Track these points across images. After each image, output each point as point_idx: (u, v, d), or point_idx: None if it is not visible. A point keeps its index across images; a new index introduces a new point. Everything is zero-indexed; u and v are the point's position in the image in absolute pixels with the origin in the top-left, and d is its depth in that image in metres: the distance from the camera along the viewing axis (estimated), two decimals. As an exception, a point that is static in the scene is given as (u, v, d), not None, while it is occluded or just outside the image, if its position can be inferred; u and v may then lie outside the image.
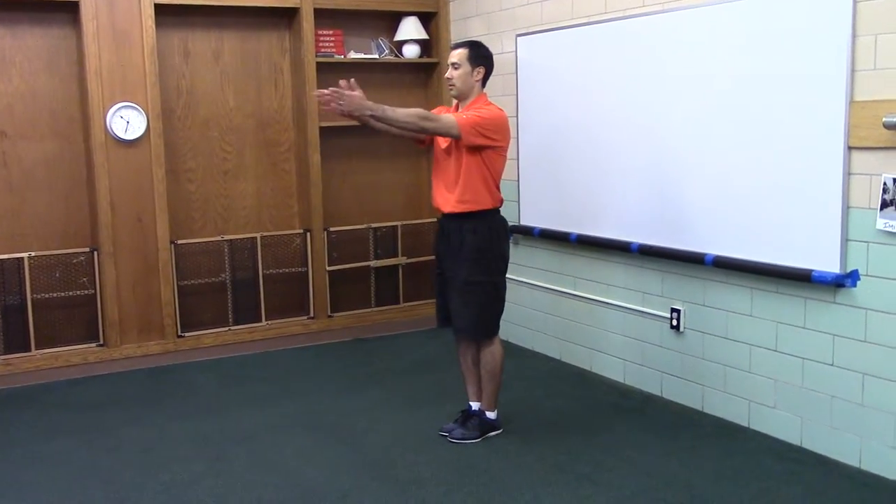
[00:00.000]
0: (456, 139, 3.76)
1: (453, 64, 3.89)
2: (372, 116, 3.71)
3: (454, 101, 4.01)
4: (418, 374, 5.12)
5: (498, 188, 3.93)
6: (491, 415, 4.06)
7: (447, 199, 3.92)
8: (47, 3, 5.00)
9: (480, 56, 3.91)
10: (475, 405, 4.12)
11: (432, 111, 3.99)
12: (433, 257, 4.17)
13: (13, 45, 5.11)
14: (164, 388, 4.99)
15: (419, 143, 4.18)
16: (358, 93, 3.64)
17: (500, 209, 3.97)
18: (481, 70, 3.90)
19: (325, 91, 3.65)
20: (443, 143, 3.93)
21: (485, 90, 3.95)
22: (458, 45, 3.97)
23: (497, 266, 3.95)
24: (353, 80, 3.68)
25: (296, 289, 5.85)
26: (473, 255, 3.87)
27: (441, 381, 4.87)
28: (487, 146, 3.80)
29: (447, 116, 3.78)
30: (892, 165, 3.34)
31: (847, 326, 3.59)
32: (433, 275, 4.19)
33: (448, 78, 3.92)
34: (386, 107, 3.70)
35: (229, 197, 5.77)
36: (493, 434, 4.05)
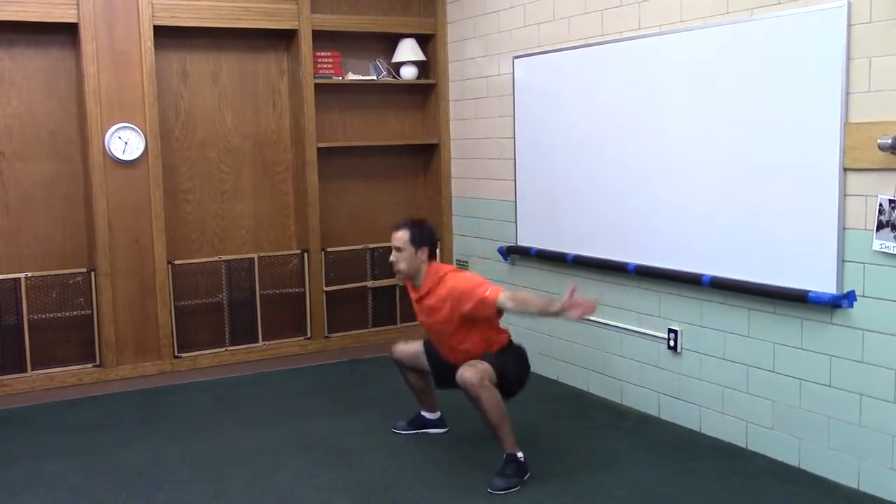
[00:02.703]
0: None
1: (396, 248, 3.95)
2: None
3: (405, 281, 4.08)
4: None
5: (498, 325, 4.00)
6: (521, 455, 3.80)
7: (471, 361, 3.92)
8: (46, 24, 5.02)
9: (421, 236, 3.96)
10: (427, 414, 4.38)
11: None
12: None
13: (12, 66, 5.13)
14: (160, 409, 4.97)
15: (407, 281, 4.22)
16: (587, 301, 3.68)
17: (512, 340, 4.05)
18: (425, 250, 3.95)
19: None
20: (439, 319, 3.93)
21: (434, 261, 4.00)
22: (398, 228, 4.00)
23: (521, 365, 4.00)
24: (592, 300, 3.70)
25: (293, 309, 5.85)
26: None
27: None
28: None
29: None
30: (888, 186, 3.36)
31: (844, 347, 3.60)
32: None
33: (393, 262, 3.98)
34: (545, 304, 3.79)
35: (227, 217, 5.77)
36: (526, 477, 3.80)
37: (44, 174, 5.24)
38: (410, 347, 4.26)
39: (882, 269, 3.42)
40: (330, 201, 5.94)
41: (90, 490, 3.81)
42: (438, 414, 4.44)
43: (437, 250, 4.06)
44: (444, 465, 3.99)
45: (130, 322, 5.29)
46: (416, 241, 3.93)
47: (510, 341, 4.02)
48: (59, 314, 5.18)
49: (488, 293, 3.73)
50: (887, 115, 3.33)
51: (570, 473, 3.85)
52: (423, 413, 4.42)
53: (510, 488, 3.69)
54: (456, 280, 3.89)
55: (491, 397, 3.72)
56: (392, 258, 3.97)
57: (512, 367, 3.90)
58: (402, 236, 3.94)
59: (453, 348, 3.96)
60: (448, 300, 3.85)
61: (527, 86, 5.30)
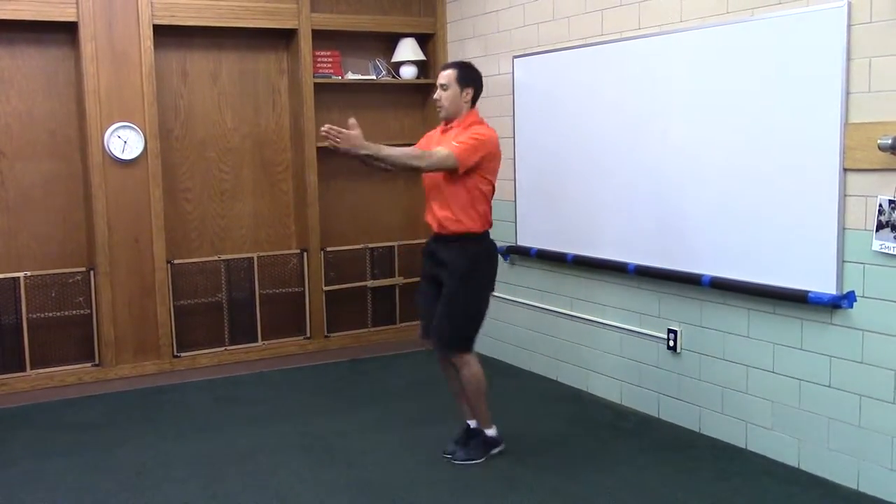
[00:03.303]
0: (454, 170, 3.74)
1: (442, 85, 3.90)
2: (367, 156, 3.66)
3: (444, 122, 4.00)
4: (415, 394, 5.11)
5: (489, 209, 3.93)
6: (490, 431, 4.04)
7: (437, 218, 3.92)
8: (46, 23, 5.01)
9: (469, 77, 3.92)
10: (472, 423, 4.07)
11: (423, 139, 4.05)
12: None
13: (11, 65, 5.13)
14: (159, 408, 4.97)
15: None
16: (357, 132, 3.59)
17: (490, 232, 3.97)
18: (470, 90, 3.90)
19: (325, 127, 3.55)
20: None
21: (475, 109, 3.96)
22: (446, 66, 3.99)
23: (483, 284, 3.95)
24: (353, 119, 3.63)
25: (292, 309, 5.84)
26: (460, 274, 3.86)
27: (437, 402, 4.84)
28: (481, 166, 3.82)
29: (440, 152, 3.74)
30: (888, 187, 3.35)
31: (844, 348, 3.60)
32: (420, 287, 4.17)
33: (436, 99, 3.93)
34: (383, 146, 3.73)
35: (226, 217, 5.77)
36: (496, 451, 4.03)
37: (43, 173, 5.23)
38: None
39: (882, 269, 3.42)
40: (330, 201, 5.94)
41: (89, 489, 3.81)
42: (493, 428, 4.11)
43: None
44: (444, 465, 3.99)
45: (130, 321, 5.29)
46: (462, 81, 3.88)
47: (485, 235, 3.93)
48: (59, 313, 5.18)
49: (457, 147, 3.72)
50: (887, 115, 3.33)
51: (569, 473, 3.85)
52: (472, 423, 4.09)
53: (469, 460, 3.95)
54: (472, 131, 3.82)
55: (469, 374, 3.91)
56: (436, 96, 3.93)
57: (478, 308, 3.91)
58: (449, 73, 3.90)
59: (437, 211, 3.90)
60: None
61: (527, 85, 5.29)
